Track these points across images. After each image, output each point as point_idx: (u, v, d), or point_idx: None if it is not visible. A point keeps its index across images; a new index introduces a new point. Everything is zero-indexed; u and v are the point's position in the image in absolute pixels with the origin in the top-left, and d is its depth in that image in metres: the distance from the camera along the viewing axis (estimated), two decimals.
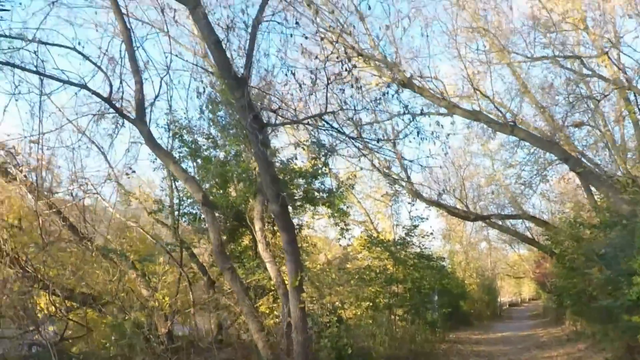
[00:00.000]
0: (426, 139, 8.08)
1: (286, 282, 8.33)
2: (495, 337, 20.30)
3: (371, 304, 11.98)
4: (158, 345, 8.48)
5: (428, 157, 9.69)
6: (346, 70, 7.07)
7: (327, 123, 7.82)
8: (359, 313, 11.52)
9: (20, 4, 8.47)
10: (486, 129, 17.25)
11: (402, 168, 16.22)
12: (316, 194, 12.62)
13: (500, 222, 24.54)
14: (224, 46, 7.65)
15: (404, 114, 8.88)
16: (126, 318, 9.16)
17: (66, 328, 9.61)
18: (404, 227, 15.53)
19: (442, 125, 9.26)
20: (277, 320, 9.43)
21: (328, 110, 7.46)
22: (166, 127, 12.31)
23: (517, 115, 16.08)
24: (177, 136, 12.37)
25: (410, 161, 9.08)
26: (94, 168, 13.04)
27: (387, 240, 14.88)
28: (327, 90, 7.12)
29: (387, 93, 8.11)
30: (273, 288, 10.02)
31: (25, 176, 10.17)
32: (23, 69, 8.59)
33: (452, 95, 14.55)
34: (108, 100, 8.91)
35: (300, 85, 7.44)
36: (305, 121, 7.82)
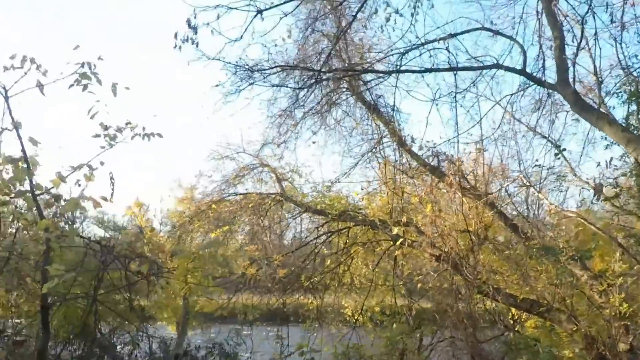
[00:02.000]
0: None
1: None
2: None
3: None
4: None
5: None
6: None
7: None
8: None
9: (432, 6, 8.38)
10: None
11: None
12: None
13: None
14: None
15: None
16: (575, 329, 7.24)
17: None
18: None
19: None
20: None
21: None
22: (617, 92, 9.62)
23: None
24: (634, 99, 9.45)
25: None
26: (527, 156, 11.34)
27: None
28: None
29: None
30: None
31: (467, 182, 10.03)
32: (439, 70, 8.56)
33: None
34: (523, 71, 8.21)
35: None
36: None
